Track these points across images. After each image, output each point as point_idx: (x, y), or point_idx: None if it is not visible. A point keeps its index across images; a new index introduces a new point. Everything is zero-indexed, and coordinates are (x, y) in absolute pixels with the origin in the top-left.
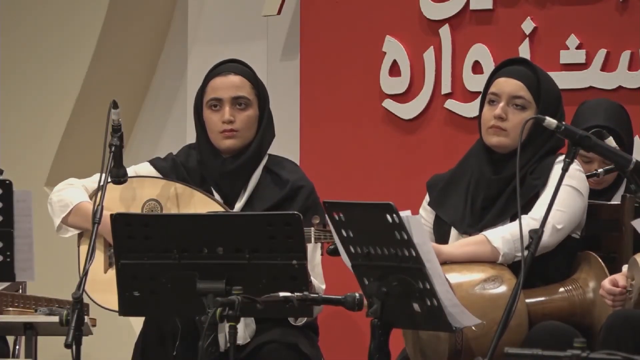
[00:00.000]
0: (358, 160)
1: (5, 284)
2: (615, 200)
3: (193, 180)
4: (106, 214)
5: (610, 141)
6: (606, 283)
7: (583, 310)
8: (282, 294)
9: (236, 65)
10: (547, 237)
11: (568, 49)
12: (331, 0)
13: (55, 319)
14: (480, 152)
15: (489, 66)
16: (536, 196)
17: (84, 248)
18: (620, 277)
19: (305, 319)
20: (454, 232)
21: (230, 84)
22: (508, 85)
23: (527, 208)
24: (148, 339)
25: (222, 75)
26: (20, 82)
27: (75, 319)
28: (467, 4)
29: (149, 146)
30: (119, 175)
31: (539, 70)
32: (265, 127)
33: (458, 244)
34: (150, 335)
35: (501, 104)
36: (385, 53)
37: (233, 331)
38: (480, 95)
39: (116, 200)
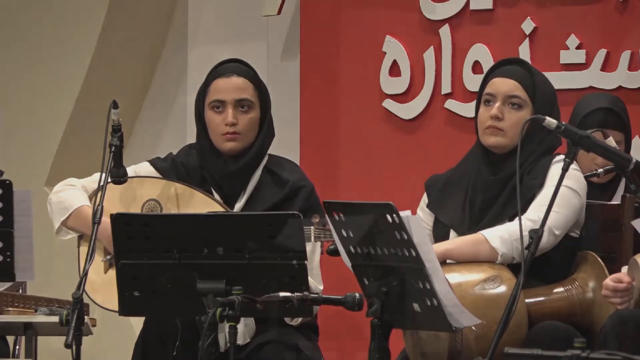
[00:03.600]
0: (358, 160)
1: (7, 285)
2: (618, 193)
3: (193, 180)
4: (105, 220)
5: (611, 141)
6: (609, 281)
7: (583, 310)
8: (282, 294)
9: (239, 66)
10: (543, 240)
11: (568, 49)
12: (331, 0)
13: (55, 319)
14: (478, 153)
15: (489, 66)
16: (534, 197)
17: (84, 249)
18: (622, 275)
19: (301, 319)
20: (452, 233)
21: (233, 86)
22: (503, 85)
23: (524, 209)
24: (148, 339)
25: (225, 77)
26: (20, 82)
27: (75, 319)
28: (467, 4)
29: (149, 146)
30: (119, 175)
31: (533, 70)
32: (266, 128)
33: (457, 242)
34: (150, 335)
35: (497, 104)
36: (385, 53)
37: (233, 331)
38: (476, 97)
39: (116, 201)
